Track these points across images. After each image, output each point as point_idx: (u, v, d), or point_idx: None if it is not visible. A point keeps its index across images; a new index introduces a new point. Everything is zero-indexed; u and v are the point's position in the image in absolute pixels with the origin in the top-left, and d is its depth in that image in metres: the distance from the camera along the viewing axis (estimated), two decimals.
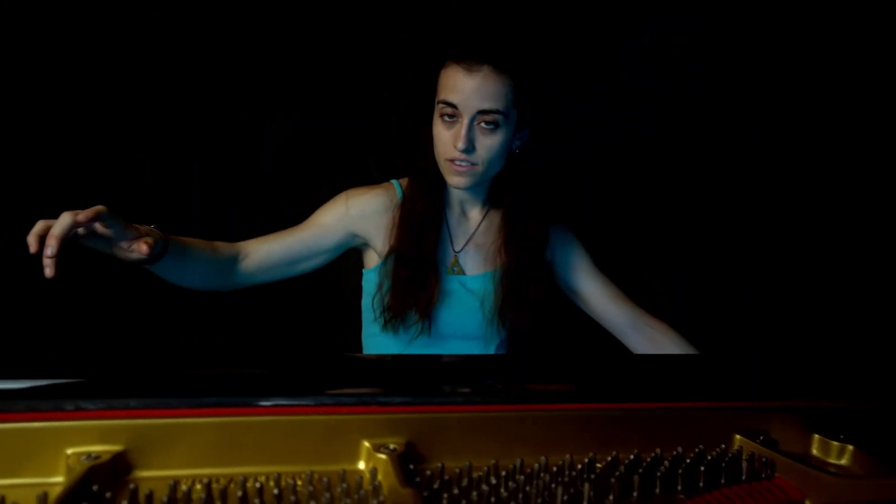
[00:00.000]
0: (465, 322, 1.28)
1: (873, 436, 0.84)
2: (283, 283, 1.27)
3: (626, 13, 1.82)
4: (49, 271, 0.75)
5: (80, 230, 0.81)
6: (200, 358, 1.00)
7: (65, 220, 0.78)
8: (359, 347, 1.40)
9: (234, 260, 1.16)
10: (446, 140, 1.16)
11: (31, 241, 0.76)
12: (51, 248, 0.75)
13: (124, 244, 0.88)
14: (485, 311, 1.28)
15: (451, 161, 1.17)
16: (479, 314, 1.28)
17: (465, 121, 1.14)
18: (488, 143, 1.16)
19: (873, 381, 0.98)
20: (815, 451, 0.87)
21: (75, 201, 1.55)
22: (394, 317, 1.23)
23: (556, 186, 1.59)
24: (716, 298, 1.89)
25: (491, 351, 1.32)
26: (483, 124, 1.14)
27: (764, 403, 0.87)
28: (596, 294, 1.33)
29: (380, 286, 1.25)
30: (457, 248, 1.30)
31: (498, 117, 1.14)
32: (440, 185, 1.26)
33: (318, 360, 1.08)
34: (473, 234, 1.31)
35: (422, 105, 1.26)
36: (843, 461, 0.84)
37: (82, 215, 0.80)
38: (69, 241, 0.78)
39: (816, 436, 0.87)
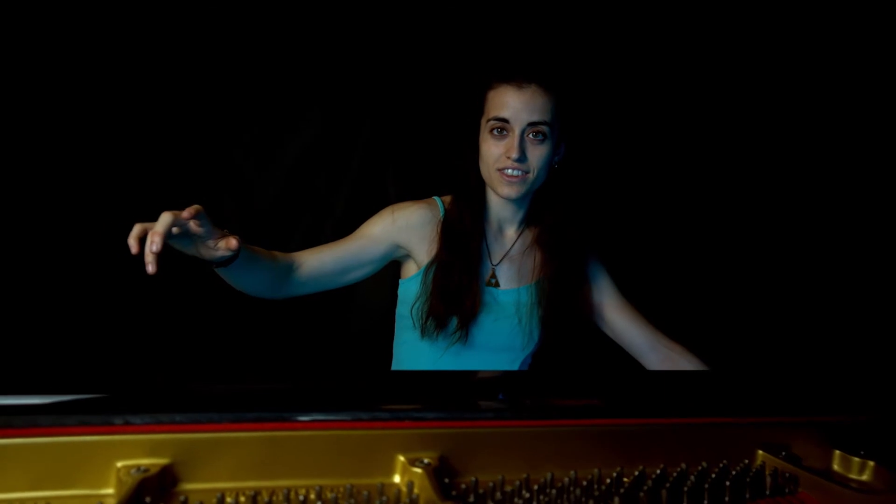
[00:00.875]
0: (498, 333, 1.34)
1: (894, 451, 0.86)
2: (314, 298, 1.32)
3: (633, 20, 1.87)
4: (152, 268, 0.81)
5: (175, 229, 0.85)
6: (235, 373, 1.03)
7: (166, 218, 0.84)
8: (388, 357, 1.44)
9: (290, 268, 1.22)
10: (498, 153, 1.27)
11: (133, 243, 0.82)
12: (156, 245, 0.81)
13: (211, 242, 0.94)
14: (518, 325, 1.34)
15: (503, 172, 1.27)
16: (511, 327, 1.34)
17: (517, 132, 1.26)
18: (537, 154, 1.27)
19: (893, 396, 1.00)
20: (836, 467, 0.88)
21: (77, 203, 1.59)
22: (436, 322, 1.29)
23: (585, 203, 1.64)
24: (736, 314, 1.91)
25: (518, 363, 1.37)
26: (531, 136, 1.26)
27: (786, 419, 0.89)
28: (618, 315, 1.39)
29: (421, 294, 1.32)
30: (494, 262, 1.37)
31: (545, 129, 1.26)
32: (482, 203, 1.37)
33: (350, 376, 1.10)
34: (509, 250, 1.39)
35: (466, 127, 1.36)
36: (865, 477, 0.86)
37: (186, 213, 0.86)
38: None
39: (837, 451, 0.88)
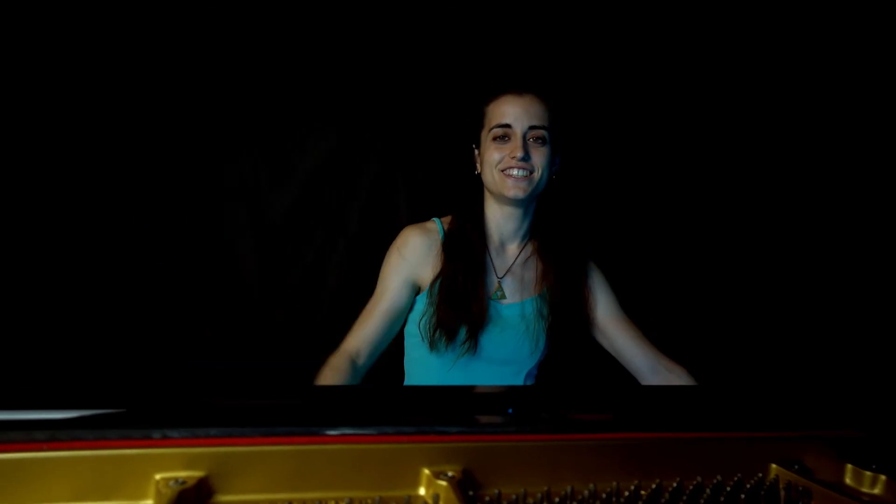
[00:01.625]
0: (505, 345, 1.38)
1: None
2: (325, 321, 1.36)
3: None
4: None
5: None
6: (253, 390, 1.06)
7: None
8: (399, 375, 1.46)
9: (354, 364, 1.27)
10: (501, 156, 1.35)
11: None
12: None
13: None
14: (524, 335, 1.38)
15: (508, 174, 1.33)
16: (518, 338, 1.38)
17: (519, 135, 1.34)
18: (539, 154, 1.35)
19: None
20: (848, 481, 0.90)
21: (104, 220, 1.61)
22: (445, 333, 1.33)
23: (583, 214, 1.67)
24: (746, 327, 1.92)
25: (524, 373, 1.40)
26: (532, 139, 1.35)
27: (798, 433, 0.91)
28: (620, 334, 1.41)
29: (427, 308, 1.36)
30: (500, 275, 1.42)
31: (544, 133, 1.35)
32: (482, 218, 1.42)
33: (372, 391, 1.13)
34: (512, 265, 1.43)
35: (464, 145, 1.43)
36: (877, 490, 0.87)
37: None
38: None
39: (849, 465, 0.90)
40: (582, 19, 1.89)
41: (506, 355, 1.38)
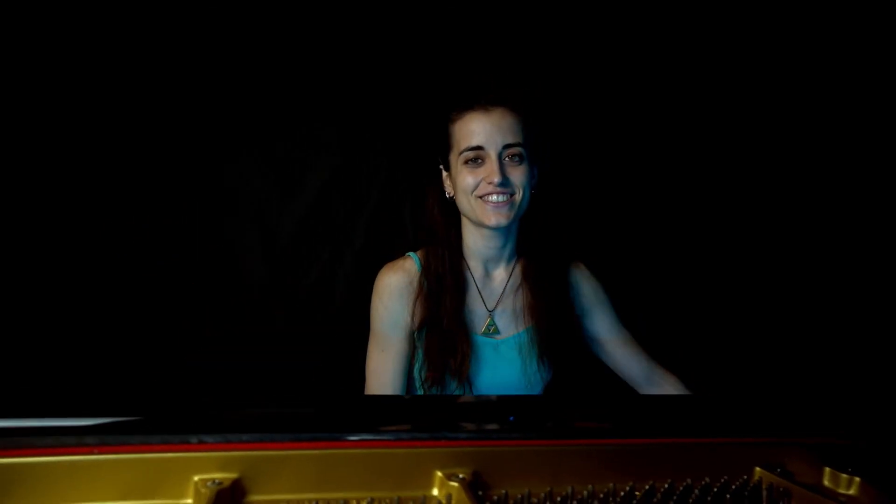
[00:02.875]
0: (503, 383, 1.32)
1: (878, 468, 0.95)
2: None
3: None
4: None
5: None
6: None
7: None
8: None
9: None
10: (475, 181, 1.23)
11: None
12: None
13: None
14: (523, 370, 1.31)
15: (486, 200, 1.22)
16: (516, 374, 1.32)
17: (494, 156, 1.21)
18: (518, 174, 1.23)
19: (879, 417, 1.09)
20: (826, 483, 0.97)
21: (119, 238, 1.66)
22: (433, 384, 1.28)
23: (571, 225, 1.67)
24: (735, 337, 1.95)
25: None
26: (509, 158, 1.23)
27: (781, 439, 0.98)
28: (616, 346, 1.40)
29: (419, 356, 1.32)
30: (490, 308, 1.33)
31: (520, 150, 1.23)
32: (460, 248, 1.32)
33: (390, 401, 1.20)
34: (502, 294, 1.34)
35: (427, 170, 1.34)
36: (852, 492, 0.95)
37: None
38: None
39: (827, 469, 0.97)
40: (548, 19, 1.80)
41: (512, 388, 1.32)
